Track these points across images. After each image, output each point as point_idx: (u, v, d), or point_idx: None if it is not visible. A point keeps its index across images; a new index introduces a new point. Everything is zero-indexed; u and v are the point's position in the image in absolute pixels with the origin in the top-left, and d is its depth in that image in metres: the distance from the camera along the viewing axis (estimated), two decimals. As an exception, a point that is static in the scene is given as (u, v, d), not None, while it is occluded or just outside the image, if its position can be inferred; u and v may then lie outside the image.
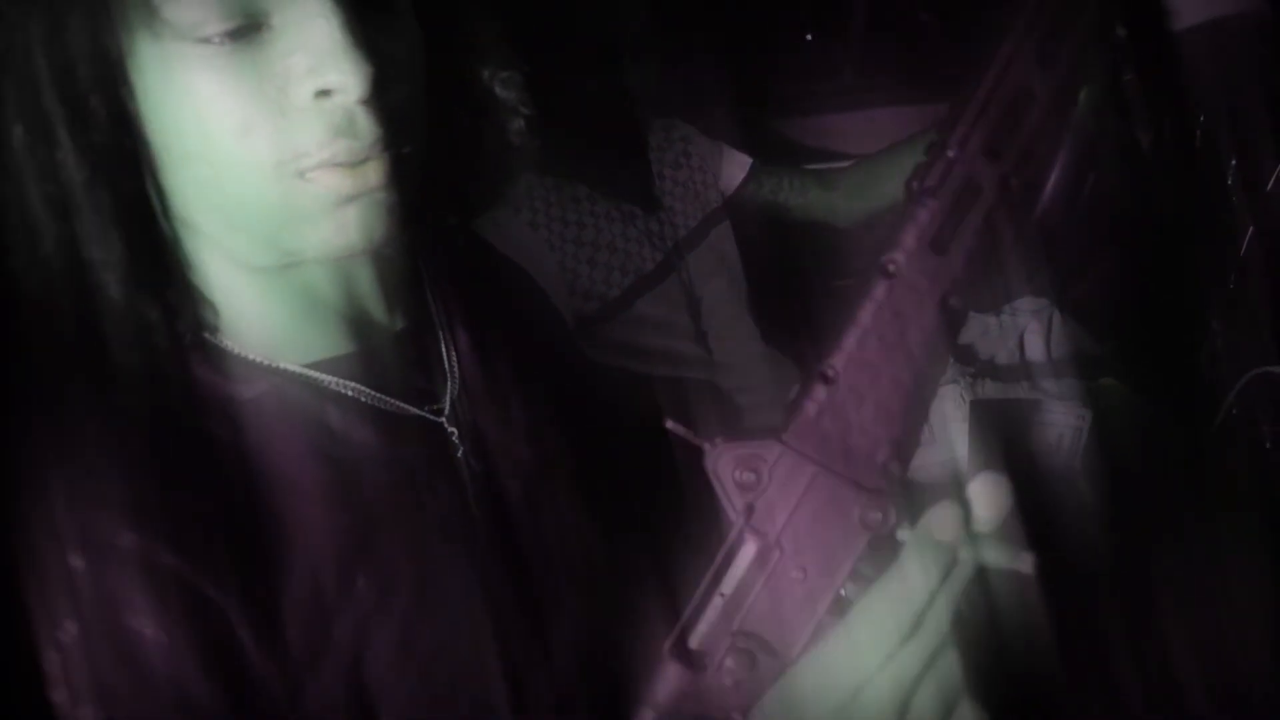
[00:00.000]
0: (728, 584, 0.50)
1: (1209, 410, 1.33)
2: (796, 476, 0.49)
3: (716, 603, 0.50)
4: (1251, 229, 1.34)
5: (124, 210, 0.57)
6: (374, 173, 0.57)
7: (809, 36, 2.40)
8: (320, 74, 0.54)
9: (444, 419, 0.69)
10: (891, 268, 0.49)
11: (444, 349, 0.72)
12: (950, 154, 0.49)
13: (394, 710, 0.61)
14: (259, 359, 0.64)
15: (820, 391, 0.49)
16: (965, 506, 0.48)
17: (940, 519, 0.48)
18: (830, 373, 0.49)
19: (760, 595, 0.49)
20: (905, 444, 0.49)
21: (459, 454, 0.69)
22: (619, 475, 0.80)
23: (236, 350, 0.64)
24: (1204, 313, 1.41)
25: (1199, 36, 1.61)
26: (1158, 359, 1.52)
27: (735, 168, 1.67)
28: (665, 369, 1.53)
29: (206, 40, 0.53)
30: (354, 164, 0.57)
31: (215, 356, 0.63)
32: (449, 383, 0.71)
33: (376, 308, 0.69)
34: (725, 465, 0.49)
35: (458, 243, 0.77)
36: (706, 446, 0.49)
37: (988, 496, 0.48)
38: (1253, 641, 1.17)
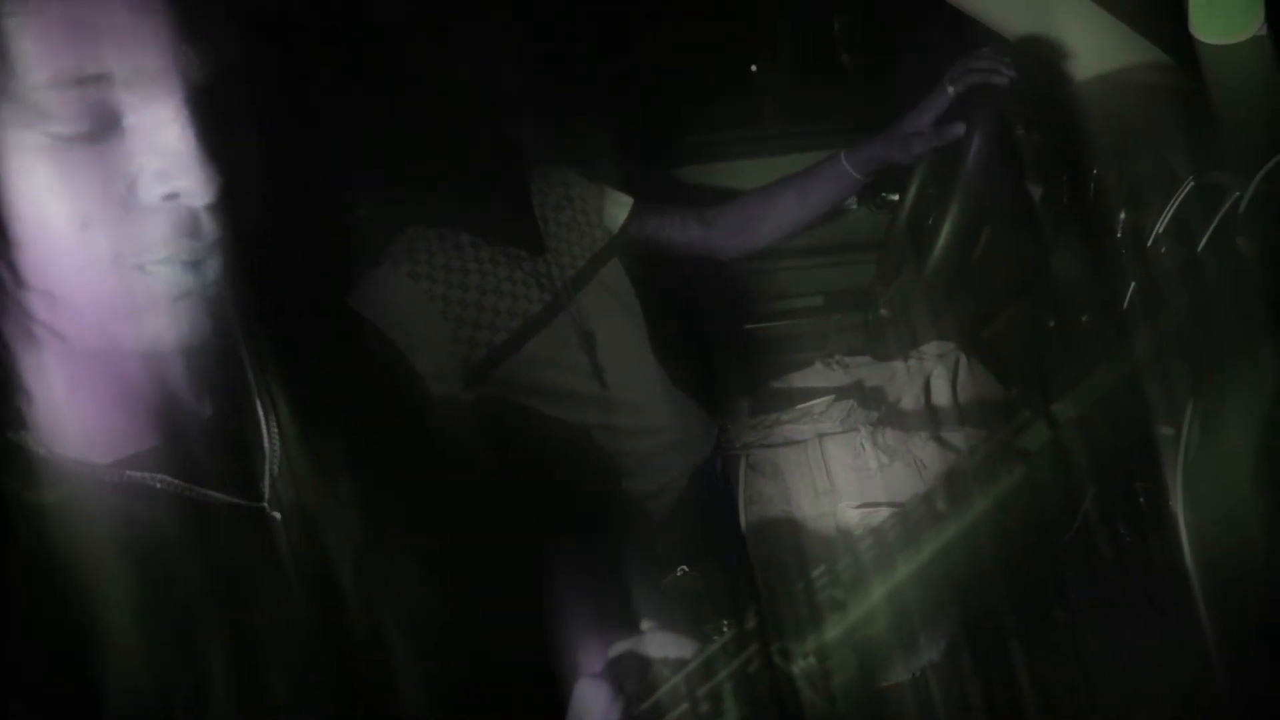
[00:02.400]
0: None
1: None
2: None
3: None
4: (1133, 284, 1.36)
5: None
6: (212, 271, 0.60)
7: (754, 67, 2.43)
8: (170, 178, 0.56)
9: (264, 504, 0.68)
10: None
11: (265, 432, 0.72)
12: None
13: None
14: (64, 457, 0.63)
15: None
16: None
17: None
18: None
19: None
20: None
21: (282, 537, 0.68)
22: (467, 537, 0.80)
23: (42, 450, 0.62)
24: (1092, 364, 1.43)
25: (1092, 90, 1.64)
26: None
27: (617, 207, 1.70)
28: (563, 409, 1.52)
29: (59, 135, 0.54)
30: (194, 262, 0.59)
31: (19, 457, 0.62)
32: (268, 466, 0.70)
33: (188, 397, 0.68)
34: None
35: (291, 325, 0.77)
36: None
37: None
38: (1122, 692, 1.18)
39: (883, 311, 1.73)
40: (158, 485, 0.64)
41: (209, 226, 0.58)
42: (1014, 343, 1.76)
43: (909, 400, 1.80)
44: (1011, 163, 1.63)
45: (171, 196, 0.57)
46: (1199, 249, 1.23)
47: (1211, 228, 1.21)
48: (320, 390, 0.78)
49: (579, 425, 1.55)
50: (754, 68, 2.41)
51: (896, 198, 1.89)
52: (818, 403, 1.85)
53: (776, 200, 1.75)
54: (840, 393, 1.87)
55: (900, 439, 1.65)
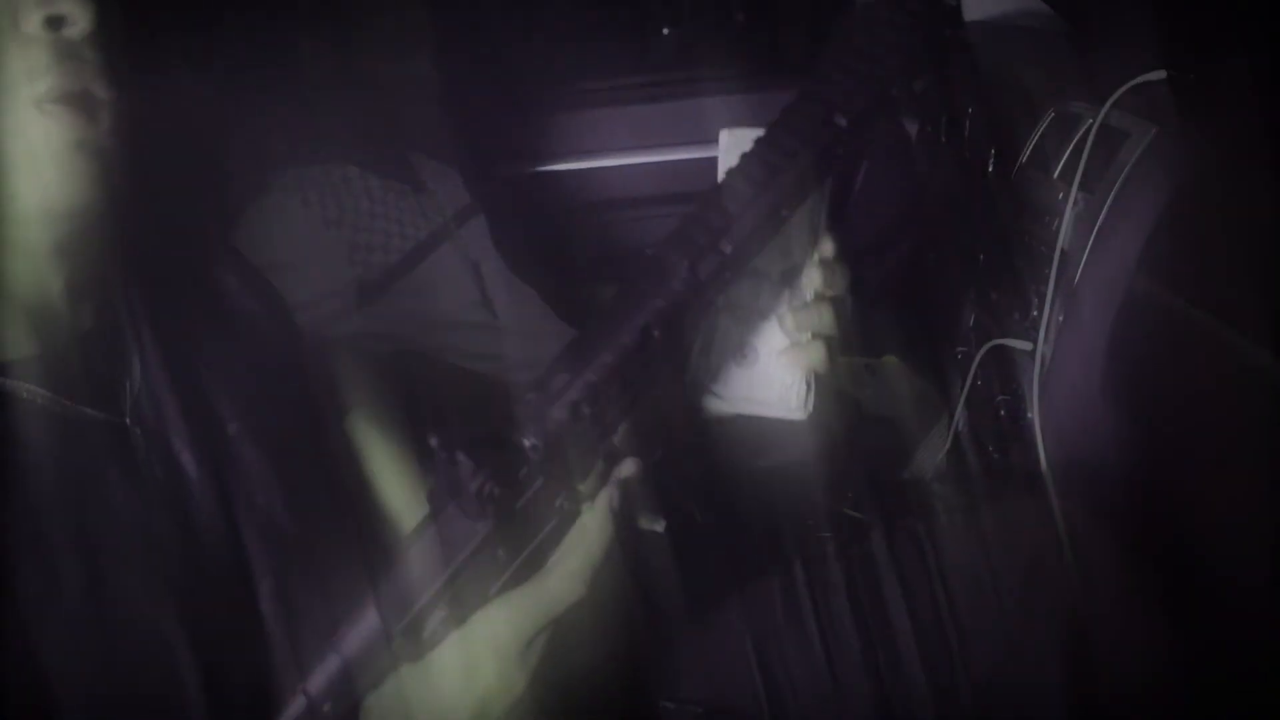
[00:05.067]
0: (437, 559, 0.57)
1: (962, 381, 1.41)
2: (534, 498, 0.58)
3: (427, 572, 0.57)
4: (1000, 213, 1.43)
5: None
6: (107, 118, 0.59)
7: (665, 30, 2.47)
8: (51, 3, 0.57)
9: (127, 420, 0.68)
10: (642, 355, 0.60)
11: (130, 349, 0.71)
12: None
13: (76, 709, 0.60)
14: None
15: (555, 436, 0.58)
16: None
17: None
18: (576, 421, 0.58)
19: (469, 575, 0.57)
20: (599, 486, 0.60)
21: (141, 455, 0.68)
22: (326, 468, 0.81)
23: None
24: (962, 291, 1.50)
25: (971, 33, 1.70)
26: (928, 336, 1.61)
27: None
28: (454, 337, 1.55)
29: None
30: (84, 100, 0.58)
31: None
32: (130, 383, 0.70)
33: (64, 306, 0.67)
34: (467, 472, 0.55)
35: (163, 240, 0.76)
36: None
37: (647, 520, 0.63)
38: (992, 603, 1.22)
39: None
40: (24, 394, 0.63)
41: (92, 55, 0.59)
42: (895, 278, 1.82)
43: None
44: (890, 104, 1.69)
45: (53, 22, 0.57)
46: (1056, 173, 1.30)
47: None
48: (185, 308, 0.77)
49: (469, 355, 1.58)
50: (665, 31, 2.46)
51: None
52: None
53: None
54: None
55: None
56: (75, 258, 0.66)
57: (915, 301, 1.68)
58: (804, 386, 0.69)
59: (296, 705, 0.56)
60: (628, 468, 0.62)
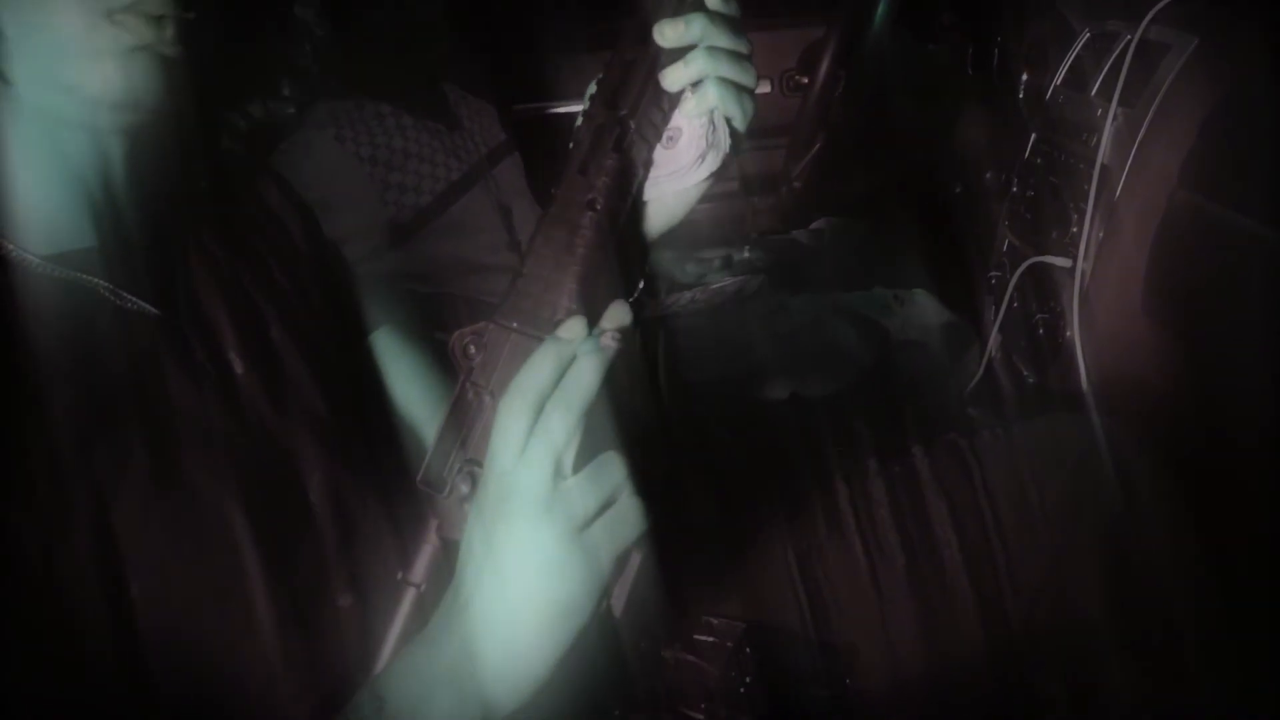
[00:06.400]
0: (457, 426, 0.64)
1: (996, 304, 1.41)
2: (500, 341, 0.63)
3: (450, 440, 0.63)
4: (1034, 135, 1.42)
5: None
6: (170, 29, 0.62)
7: None
8: None
9: (180, 317, 0.70)
10: (554, 191, 0.65)
11: (179, 247, 0.73)
12: (590, 111, 0.67)
13: (146, 578, 0.61)
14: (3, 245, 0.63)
15: (516, 283, 0.64)
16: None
17: (570, 327, 0.61)
18: (522, 269, 0.64)
19: (478, 430, 0.63)
20: (573, 308, 0.63)
21: (194, 350, 0.70)
22: (361, 376, 0.85)
23: None
24: (994, 217, 1.49)
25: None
26: (960, 264, 1.60)
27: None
28: (483, 280, 1.55)
29: None
30: (155, 16, 0.61)
31: None
32: (181, 281, 0.72)
33: (125, 197, 0.69)
34: (457, 345, 0.64)
35: (220, 151, 0.77)
36: (447, 337, 0.64)
37: (614, 314, 0.64)
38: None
39: (795, 184, 1.76)
40: (87, 284, 0.65)
41: None
42: (921, 207, 1.82)
43: (820, 272, 1.86)
44: (918, 33, 1.68)
45: None
46: (1093, 91, 1.29)
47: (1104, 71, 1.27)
48: (231, 213, 0.80)
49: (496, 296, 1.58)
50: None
51: (807, 80, 1.93)
52: (730, 282, 1.91)
53: None
54: (754, 271, 1.92)
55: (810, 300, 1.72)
56: (138, 144, 0.68)
57: (945, 232, 1.68)
58: (711, 130, 0.69)
59: (408, 596, 0.64)
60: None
